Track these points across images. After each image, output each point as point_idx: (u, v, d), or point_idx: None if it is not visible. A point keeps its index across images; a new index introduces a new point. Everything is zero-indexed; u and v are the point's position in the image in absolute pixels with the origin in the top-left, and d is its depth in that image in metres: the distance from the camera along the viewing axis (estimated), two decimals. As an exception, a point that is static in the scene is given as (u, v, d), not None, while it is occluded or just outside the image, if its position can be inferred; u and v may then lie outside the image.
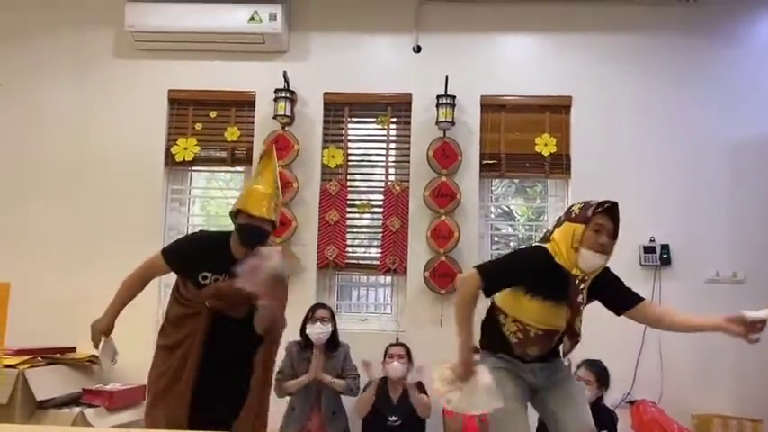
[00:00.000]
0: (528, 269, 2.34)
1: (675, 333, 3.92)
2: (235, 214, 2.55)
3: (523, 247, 2.46)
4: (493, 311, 2.50)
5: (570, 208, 2.43)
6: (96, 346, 2.70)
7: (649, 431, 3.78)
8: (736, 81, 4.30)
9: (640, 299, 2.41)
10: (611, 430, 3.35)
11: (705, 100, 4.29)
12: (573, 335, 2.37)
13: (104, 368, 2.82)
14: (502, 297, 2.45)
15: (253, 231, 2.50)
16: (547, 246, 2.38)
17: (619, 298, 2.40)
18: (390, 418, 3.56)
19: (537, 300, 2.34)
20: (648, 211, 4.19)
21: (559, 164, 4.29)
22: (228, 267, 2.50)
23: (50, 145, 4.39)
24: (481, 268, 2.32)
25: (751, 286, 4.09)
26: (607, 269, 2.40)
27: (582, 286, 2.30)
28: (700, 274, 4.12)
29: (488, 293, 2.35)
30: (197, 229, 4.62)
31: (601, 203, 2.31)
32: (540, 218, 4.60)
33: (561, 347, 2.45)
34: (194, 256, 2.58)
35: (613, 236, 2.31)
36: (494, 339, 2.49)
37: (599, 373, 3.42)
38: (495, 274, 2.32)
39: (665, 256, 4.11)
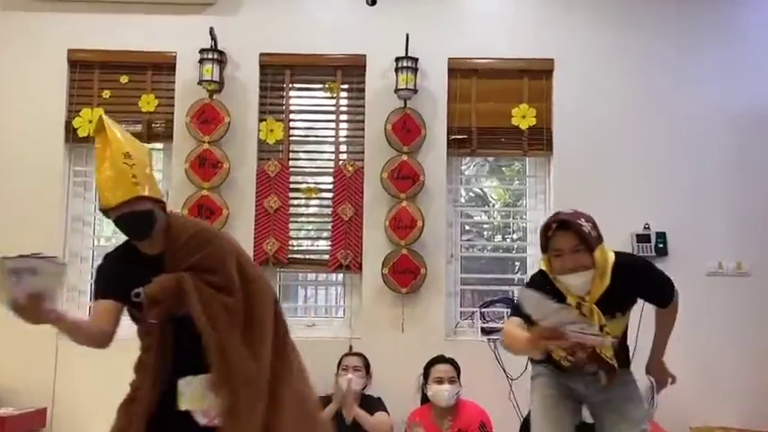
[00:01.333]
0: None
1: (672, 335, 4.04)
2: (107, 216, 2.46)
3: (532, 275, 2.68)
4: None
5: None
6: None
7: None
8: (744, 45, 4.35)
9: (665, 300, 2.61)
10: None
11: (707, 67, 4.34)
12: (602, 362, 2.48)
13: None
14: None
15: (127, 221, 2.40)
16: (544, 266, 2.53)
17: (653, 291, 2.57)
18: (342, 440, 3.55)
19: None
20: (642, 194, 4.24)
21: (540, 139, 4.31)
22: (150, 268, 2.42)
23: None
24: (511, 313, 2.60)
25: (757, 279, 4.20)
26: (625, 263, 2.46)
27: (582, 309, 2.40)
28: (700, 266, 4.19)
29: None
30: (104, 220, 4.51)
31: (547, 226, 2.44)
32: (518, 202, 4.63)
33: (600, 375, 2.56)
34: (114, 276, 2.51)
35: (583, 249, 2.37)
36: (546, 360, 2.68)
37: None
38: (518, 314, 2.45)
39: (660, 245, 4.18)
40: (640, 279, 2.48)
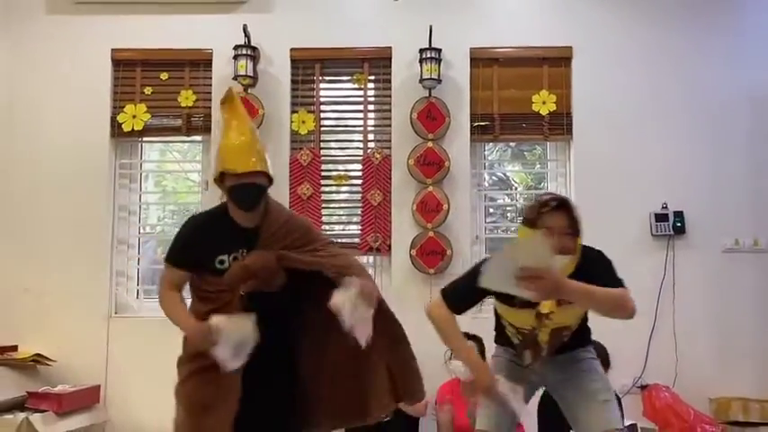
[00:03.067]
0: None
1: (689, 313, 4.04)
2: (219, 179, 2.46)
3: (481, 260, 2.62)
4: (496, 316, 2.63)
5: (524, 207, 2.53)
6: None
7: (663, 418, 3.87)
8: (761, 27, 4.31)
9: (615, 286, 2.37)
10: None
11: (724, 51, 4.30)
12: (535, 347, 2.46)
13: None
14: (494, 303, 2.56)
15: (245, 190, 2.40)
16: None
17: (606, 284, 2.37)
18: (378, 415, 3.60)
19: (512, 308, 2.42)
20: (660, 174, 4.23)
21: (560, 124, 4.30)
22: (243, 240, 2.43)
23: (-24, 117, 4.31)
24: (444, 292, 2.52)
25: (775, 254, 4.16)
26: (590, 256, 2.38)
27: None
28: (717, 243, 4.18)
29: (460, 312, 2.48)
30: (151, 208, 4.62)
31: (545, 203, 2.32)
32: (540, 185, 4.63)
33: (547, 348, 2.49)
34: (198, 244, 2.48)
35: (570, 232, 2.30)
36: (501, 337, 2.65)
37: (599, 352, 3.48)
38: (457, 296, 2.47)
39: (678, 224, 4.16)
40: (600, 266, 2.37)
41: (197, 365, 2.44)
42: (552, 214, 2.30)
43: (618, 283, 2.31)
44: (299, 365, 2.59)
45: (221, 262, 2.42)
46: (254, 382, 2.40)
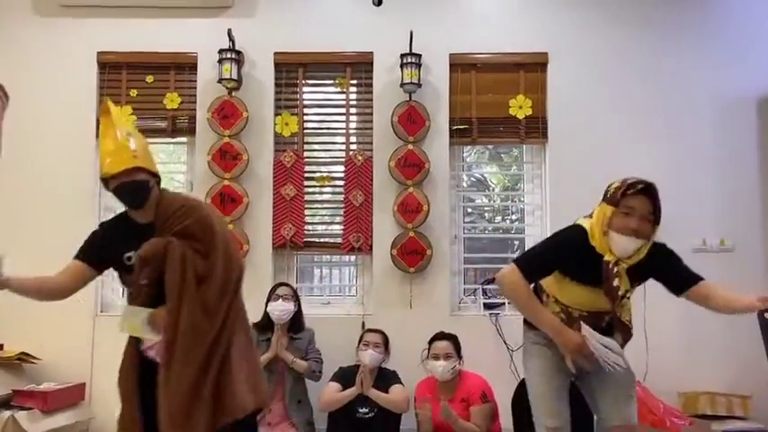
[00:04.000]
0: (563, 253, 2.43)
1: (660, 309, 4.08)
2: (106, 186, 2.52)
3: (564, 228, 2.52)
4: (536, 290, 2.58)
5: (609, 186, 2.45)
6: None
7: None
8: (732, 35, 4.37)
9: (696, 280, 2.47)
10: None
11: (695, 56, 4.35)
12: (622, 326, 2.45)
13: None
14: (558, 285, 2.54)
15: (125, 189, 2.46)
16: (586, 224, 2.44)
17: (675, 279, 2.47)
18: (360, 410, 3.61)
19: (576, 283, 2.43)
20: (632, 175, 4.20)
21: (536, 127, 4.35)
22: (142, 235, 2.48)
23: (-38, 117, 4.27)
24: (519, 261, 2.44)
25: (740, 255, 4.23)
26: (662, 249, 2.45)
27: (616, 270, 2.33)
28: (686, 243, 4.13)
29: (533, 281, 2.47)
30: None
31: (632, 184, 2.34)
32: (516, 185, 4.68)
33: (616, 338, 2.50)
34: (106, 244, 2.57)
35: (652, 219, 2.33)
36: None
37: None
38: (533, 266, 2.43)
39: (649, 224, 4.20)
40: (674, 258, 2.48)
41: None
42: (636, 196, 2.31)
43: (695, 276, 2.43)
44: None
45: (128, 258, 2.47)
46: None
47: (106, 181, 2.49)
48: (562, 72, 4.35)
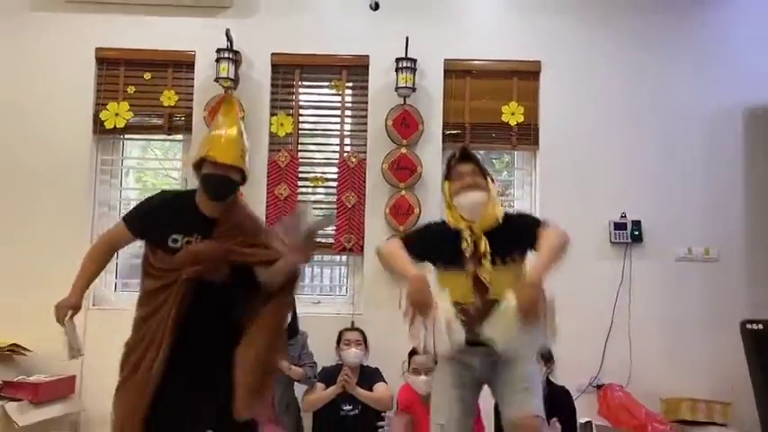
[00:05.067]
0: (431, 229, 2.64)
1: (645, 317, 4.10)
2: (198, 165, 2.48)
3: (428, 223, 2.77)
4: None
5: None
6: (62, 324, 2.58)
7: (616, 416, 3.92)
8: (719, 46, 4.39)
9: (539, 228, 2.47)
10: (565, 407, 3.49)
11: (683, 68, 4.37)
12: (481, 286, 2.43)
13: (71, 354, 2.65)
14: (437, 285, 2.53)
15: (219, 180, 2.44)
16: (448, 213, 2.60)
17: (528, 237, 2.47)
18: (344, 407, 3.61)
19: (448, 271, 2.49)
20: (620, 185, 4.29)
21: (527, 134, 4.35)
22: (200, 227, 2.45)
23: (-42, 109, 4.23)
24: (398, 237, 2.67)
25: (724, 264, 4.25)
26: (520, 215, 2.64)
27: (470, 233, 2.45)
28: (671, 252, 4.25)
29: (410, 252, 2.49)
30: (131, 204, 4.57)
31: (453, 154, 2.63)
32: (506, 191, 4.66)
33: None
34: (159, 218, 2.50)
35: (481, 174, 2.53)
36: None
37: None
38: (410, 237, 2.62)
39: (636, 232, 4.22)
40: (525, 218, 2.61)
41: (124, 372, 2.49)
42: (459, 163, 2.55)
43: (540, 223, 2.49)
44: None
45: (174, 240, 2.44)
46: (185, 362, 2.40)
47: (202, 162, 2.46)
48: (554, 81, 4.36)
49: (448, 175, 2.57)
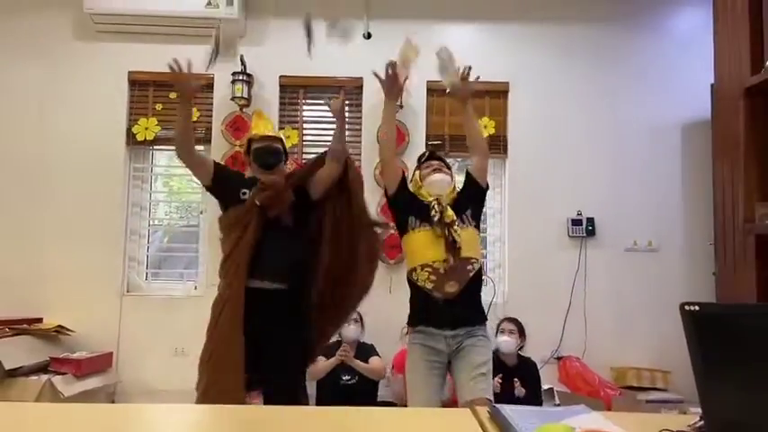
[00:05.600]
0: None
1: (599, 294, 4.12)
2: (247, 149, 2.69)
3: None
4: (409, 280, 2.56)
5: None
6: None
7: (574, 383, 3.95)
8: (659, 69, 4.40)
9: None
10: (533, 376, 3.52)
11: (630, 87, 4.38)
12: (453, 246, 2.42)
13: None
14: (406, 252, 2.57)
15: (265, 149, 2.62)
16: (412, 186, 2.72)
17: (473, 182, 2.64)
18: (344, 377, 3.61)
19: (418, 230, 2.49)
20: (577, 186, 4.30)
21: (498, 144, 4.34)
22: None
23: (11, 127, 4.19)
24: None
25: (663, 254, 4.28)
26: (468, 184, 2.65)
27: (437, 203, 2.49)
28: (620, 244, 4.27)
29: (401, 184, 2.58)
30: (159, 205, 4.56)
31: (423, 154, 2.81)
32: (480, 194, 4.65)
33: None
34: (233, 178, 2.69)
35: (444, 167, 2.66)
36: (415, 305, 2.55)
37: (518, 325, 3.65)
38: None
39: (590, 227, 4.23)
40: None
41: (210, 338, 2.47)
42: (428, 159, 2.69)
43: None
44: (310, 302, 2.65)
45: (243, 194, 2.59)
46: (267, 323, 2.44)
47: (250, 145, 2.67)
48: (521, 98, 4.37)
49: (418, 167, 2.70)
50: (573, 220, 4.25)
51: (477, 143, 2.63)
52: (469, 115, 2.65)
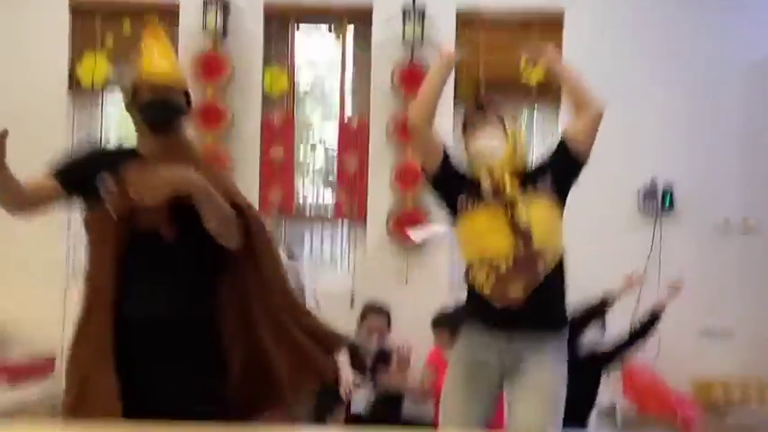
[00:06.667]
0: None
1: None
2: (132, 96, 2.03)
3: None
4: (466, 278, 2.37)
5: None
6: None
7: (642, 399, 3.79)
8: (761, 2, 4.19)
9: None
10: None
11: (716, 17, 4.16)
12: (523, 233, 2.19)
13: None
14: (458, 243, 2.38)
15: (162, 105, 2.01)
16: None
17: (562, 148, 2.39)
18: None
19: (471, 211, 2.25)
20: (650, 147, 4.12)
21: (549, 92, 4.09)
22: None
23: None
24: None
25: (763, 234, 4.07)
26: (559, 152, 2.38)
27: (488, 175, 2.24)
28: (707, 222, 4.09)
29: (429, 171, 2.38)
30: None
31: (467, 107, 2.59)
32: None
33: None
34: (85, 168, 2.07)
35: (496, 121, 2.33)
36: (470, 302, 2.39)
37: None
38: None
39: (667, 201, 4.08)
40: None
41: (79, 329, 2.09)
42: (475, 113, 2.39)
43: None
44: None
45: (102, 180, 2.02)
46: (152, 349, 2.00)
47: (135, 94, 2.01)
48: (579, 32, 4.13)
49: (464, 129, 2.41)
50: (645, 192, 4.09)
51: (578, 97, 2.36)
52: (564, 76, 2.42)
